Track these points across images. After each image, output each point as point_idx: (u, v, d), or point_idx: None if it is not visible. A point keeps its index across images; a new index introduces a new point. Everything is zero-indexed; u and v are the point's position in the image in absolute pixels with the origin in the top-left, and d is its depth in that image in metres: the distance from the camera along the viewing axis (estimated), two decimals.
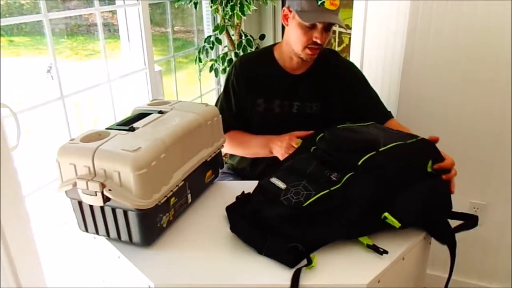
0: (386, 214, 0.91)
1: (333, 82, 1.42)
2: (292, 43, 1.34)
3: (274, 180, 1.01)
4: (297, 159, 1.11)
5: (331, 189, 0.95)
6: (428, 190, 0.97)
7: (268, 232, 0.94)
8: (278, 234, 0.93)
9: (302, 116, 1.42)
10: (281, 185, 0.98)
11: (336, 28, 2.53)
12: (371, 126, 1.17)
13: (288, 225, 0.93)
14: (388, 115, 1.45)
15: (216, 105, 1.52)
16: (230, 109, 1.47)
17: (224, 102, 1.49)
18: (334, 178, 0.97)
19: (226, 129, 1.33)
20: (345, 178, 0.96)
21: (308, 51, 1.31)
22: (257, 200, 1.02)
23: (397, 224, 0.90)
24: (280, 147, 1.30)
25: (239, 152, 1.49)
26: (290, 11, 1.31)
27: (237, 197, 1.08)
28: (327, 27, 1.29)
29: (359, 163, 0.97)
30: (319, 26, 1.26)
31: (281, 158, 1.28)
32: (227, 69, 2.36)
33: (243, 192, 1.09)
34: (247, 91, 1.43)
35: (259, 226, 0.96)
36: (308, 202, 0.93)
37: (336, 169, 0.99)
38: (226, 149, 1.47)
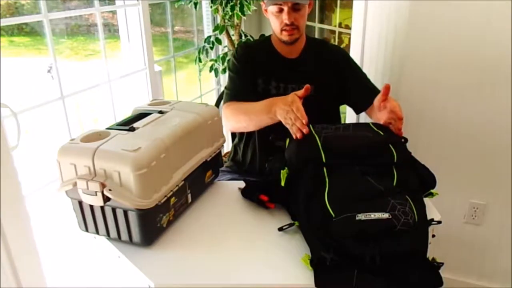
0: (432, 190, 1.05)
1: (325, 66, 1.51)
2: (273, 31, 1.49)
3: (367, 215, 0.87)
4: (339, 184, 0.97)
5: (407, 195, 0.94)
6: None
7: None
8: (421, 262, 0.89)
9: None
10: (383, 215, 0.88)
11: (336, 28, 2.55)
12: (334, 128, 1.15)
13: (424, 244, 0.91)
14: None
15: (223, 91, 1.57)
16: (239, 82, 1.52)
17: (233, 77, 1.53)
18: (381, 187, 0.95)
19: (229, 100, 1.47)
20: (395, 178, 0.98)
21: (284, 33, 1.44)
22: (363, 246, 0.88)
23: (436, 192, 1.07)
24: (283, 110, 1.22)
25: (242, 121, 1.45)
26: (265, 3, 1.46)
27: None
28: (294, 7, 1.39)
29: (395, 160, 1.01)
30: (285, 8, 1.39)
31: (283, 121, 1.21)
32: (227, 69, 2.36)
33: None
34: (249, 70, 1.52)
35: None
36: (416, 214, 0.90)
37: (372, 174, 0.98)
38: (229, 120, 1.47)
